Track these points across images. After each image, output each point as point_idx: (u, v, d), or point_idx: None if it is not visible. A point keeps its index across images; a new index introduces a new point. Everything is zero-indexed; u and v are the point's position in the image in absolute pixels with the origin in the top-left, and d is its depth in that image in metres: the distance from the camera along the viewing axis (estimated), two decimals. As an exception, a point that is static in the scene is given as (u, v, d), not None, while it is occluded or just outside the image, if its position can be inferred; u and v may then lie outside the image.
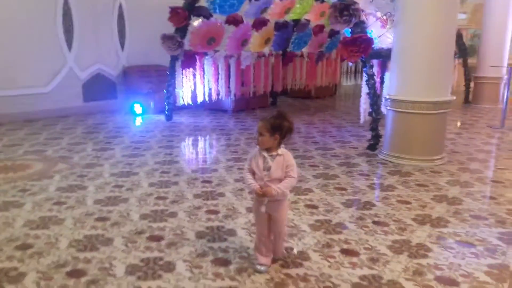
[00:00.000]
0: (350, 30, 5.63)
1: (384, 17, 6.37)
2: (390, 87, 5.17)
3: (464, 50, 10.62)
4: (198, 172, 4.67)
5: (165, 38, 7.14)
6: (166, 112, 7.73)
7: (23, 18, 7.32)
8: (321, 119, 8.23)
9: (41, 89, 7.74)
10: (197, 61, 7.70)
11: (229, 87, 8.20)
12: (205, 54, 7.72)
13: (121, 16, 8.83)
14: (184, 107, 8.16)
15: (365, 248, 2.83)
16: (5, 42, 7.14)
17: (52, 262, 2.59)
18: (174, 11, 7.01)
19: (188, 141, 6.35)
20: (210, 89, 7.97)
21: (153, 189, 3.99)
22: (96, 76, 8.57)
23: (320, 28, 9.29)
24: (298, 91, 10.72)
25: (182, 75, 7.66)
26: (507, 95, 7.58)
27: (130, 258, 2.65)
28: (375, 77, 5.93)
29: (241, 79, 8.48)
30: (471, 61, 11.12)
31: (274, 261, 2.59)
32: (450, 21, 4.80)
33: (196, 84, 7.82)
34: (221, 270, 2.52)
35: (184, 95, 7.78)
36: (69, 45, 8.05)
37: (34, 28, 7.49)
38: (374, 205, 3.66)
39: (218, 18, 7.39)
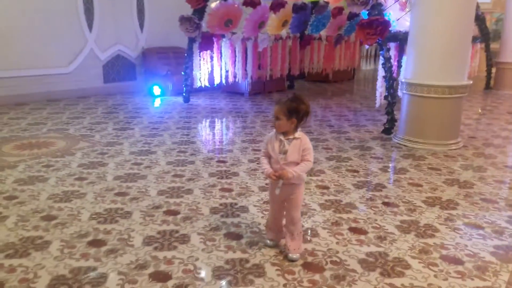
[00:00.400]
0: (367, 12, 5.59)
1: (403, 0, 6.28)
2: (406, 71, 5.15)
3: (487, 34, 10.36)
4: (213, 152, 4.80)
5: (183, 19, 7.20)
6: (184, 94, 7.85)
7: (45, -1, 7.49)
8: (338, 103, 8.23)
9: (63, 69, 7.95)
10: (215, 43, 7.76)
11: (245, 70, 8.25)
12: (223, 36, 7.76)
13: (140, -2, 8.93)
14: (201, 89, 8.26)
15: (373, 227, 2.91)
16: (27, 23, 7.33)
17: (74, 232, 2.76)
18: (192, -8, 7.05)
19: (205, 122, 6.47)
20: (227, 71, 8.03)
21: (170, 167, 4.13)
22: (116, 57, 8.73)
23: (339, 10, 9.17)
24: (315, 75, 10.69)
25: (200, 57, 7.74)
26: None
27: (147, 230, 2.80)
28: (391, 60, 5.90)
29: (258, 62, 8.50)
30: (495, 46, 10.85)
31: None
32: (469, 4, 4.72)
33: (213, 66, 7.90)
34: (233, 243, 2.64)
35: (201, 77, 7.87)
36: (90, 26, 8.20)
37: (56, 8, 7.64)
38: (385, 187, 3.72)
39: None
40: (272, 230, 2.60)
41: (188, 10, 7.26)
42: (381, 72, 5.96)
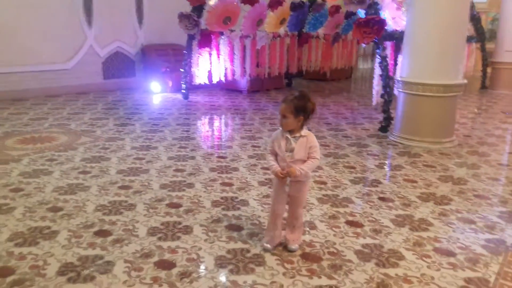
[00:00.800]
0: (364, 11, 5.69)
1: None
2: (402, 69, 5.26)
3: (482, 34, 10.50)
4: (213, 148, 4.89)
5: (182, 17, 7.28)
6: (183, 91, 7.93)
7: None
8: (335, 101, 8.33)
9: (63, 65, 8.00)
10: (213, 40, 7.84)
11: (244, 67, 8.34)
12: (221, 33, 7.84)
13: (139, -6, 8.99)
14: (200, 86, 8.34)
15: (369, 221, 3.02)
16: (27, 19, 7.38)
17: (80, 223, 2.85)
18: (191, -10, 7.13)
19: (204, 119, 6.56)
20: (225, 69, 8.11)
21: (171, 162, 4.22)
22: (115, 54, 8.79)
23: (337, 8, 9.29)
24: (313, 73, 10.79)
25: (199, 54, 7.81)
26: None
27: (151, 221, 2.90)
28: (388, 59, 6.01)
29: (256, 59, 8.60)
30: (491, 46, 10.98)
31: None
32: (463, 4, 4.83)
33: (212, 64, 7.98)
34: (234, 234, 2.74)
35: (200, 74, 7.95)
36: (89, 23, 8.25)
37: (55, 4, 7.70)
38: (380, 182, 3.83)
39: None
40: (271, 232, 2.54)
41: (187, 8, 7.33)
42: (377, 71, 6.07)
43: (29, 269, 2.30)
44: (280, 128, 2.43)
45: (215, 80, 8.15)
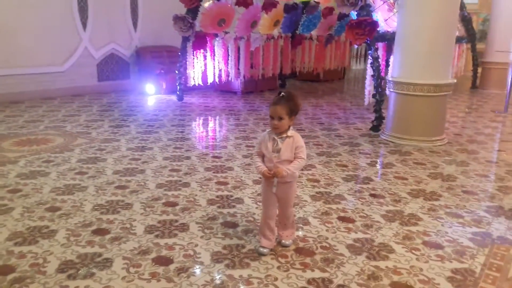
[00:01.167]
0: (356, 13, 5.79)
1: (391, 0, 6.50)
2: (393, 70, 5.37)
3: (473, 35, 10.66)
4: (208, 148, 4.96)
5: (177, 19, 7.34)
6: (178, 92, 7.99)
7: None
8: (328, 102, 8.44)
9: (58, 68, 8.03)
10: (208, 42, 7.91)
11: (238, 69, 8.41)
12: (216, 35, 7.91)
13: (134, -3, 9.05)
14: (194, 88, 8.40)
15: (361, 216, 3.11)
16: (22, 21, 7.41)
17: (79, 222, 2.91)
18: (186, -8, 7.20)
19: (199, 120, 6.63)
20: (220, 70, 8.19)
21: (167, 162, 4.29)
22: (110, 56, 8.83)
23: (330, 10, 9.38)
24: (307, 74, 10.89)
25: (193, 56, 7.88)
26: (511, 80, 7.69)
27: (148, 220, 2.96)
28: (379, 59, 6.11)
29: (251, 61, 8.68)
30: (481, 46, 11.16)
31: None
32: (452, 5, 4.95)
33: (206, 65, 8.05)
34: (230, 231, 2.82)
35: (194, 76, 8.01)
36: (84, 25, 8.29)
37: (50, 6, 7.73)
38: (372, 180, 3.93)
39: None
40: (265, 235, 2.55)
41: (181, 10, 7.40)
42: (369, 71, 6.17)
43: (29, 267, 2.36)
44: (267, 130, 2.46)
45: (209, 81, 8.22)
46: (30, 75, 7.63)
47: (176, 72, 7.99)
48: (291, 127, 2.43)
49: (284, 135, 2.40)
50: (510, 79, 7.71)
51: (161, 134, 5.44)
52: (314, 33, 9.92)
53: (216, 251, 2.55)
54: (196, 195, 3.43)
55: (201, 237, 2.73)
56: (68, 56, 8.15)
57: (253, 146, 4.94)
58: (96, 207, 3.16)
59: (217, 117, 6.84)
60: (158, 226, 2.87)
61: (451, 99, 8.59)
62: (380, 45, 6.56)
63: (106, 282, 2.23)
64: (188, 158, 4.46)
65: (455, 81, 5.27)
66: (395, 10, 6.44)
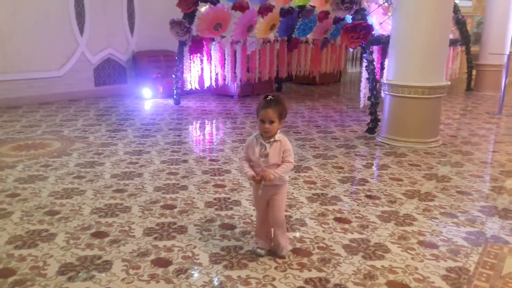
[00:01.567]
0: (351, 16, 5.86)
1: (386, 4, 6.57)
2: (388, 73, 5.43)
3: (467, 37, 10.77)
4: (205, 151, 5.00)
5: (174, 23, 7.40)
6: (175, 96, 8.03)
7: (36, 1, 7.59)
8: (324, 105, 8.49)
9: (55, 73, 8.06)
10: (204, 46, 7.96)
11: (235, 73, 8.46)
12: (212, 39, 7.97)
13: (130, 1, 9.08)
14: (191, 92, 8.45)
15: (357, 217, 3.15)
16: (19, 27, 7.44)
17: (78, 225, 2.94)
18: (182, -3, 7.26)
19: (196, 124, 6.67)
20: (216, 74, 8.24)
21: (164, 165, 4.32)
22: (107, 61, 8.87)
23: (325, 14, 9.48)
24: (303, 77, 10.96)
25: (190, 60, 7.93)
26: (505, 82, 7.78)
27: (147, 222, 2.99)
28: (374, 63, 6.18)
29: (247, 64, 8.73)
30: (476, 49, 11.26)
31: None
32: (446, 8, 5.02)
33: (203, 69, 8.10)
34: (228, 232, 2.85)
35: (191, 80, 8.06)
36: (81, 30, 8.33)
37: (47, 12, 7.77)
38: (368, 181, 3.97)
39: (225, 4, 7.63)
40: (261, 236, 2.57)
41: (178, 14, 7.46)
42: (364, 74, 6.23)
43: (29, 269, 2.38)
44: (255, 134, 2.44)
45: (206, 85, 8.26)
46: (27, 80, 7.65)
47: (173, 76, 8.03)
48: (278, 131, 2.40)
49: (272, 140, 2.37)
50: (504, 81, 7.79)
51: (158, 138, 5.47)
52: (310, 36, 10.01)
53: (214, 253, 2.58)
54: (193, 198, 3.46)
55: (199, 239, 2.76)
56: (65, 61, 8.18)
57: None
58: (94, 211, 3.18)
59: (214, 121, 6.88)
60: (157, 228, 2.90)
61: (446, 101, 8.67)
62: (375, 48, 6.63)
63: (106, 284, 2.26)
64: (185, 161, 4.49)
65: (449, 83, 5.33)
66: (389, 13, 6.52)
